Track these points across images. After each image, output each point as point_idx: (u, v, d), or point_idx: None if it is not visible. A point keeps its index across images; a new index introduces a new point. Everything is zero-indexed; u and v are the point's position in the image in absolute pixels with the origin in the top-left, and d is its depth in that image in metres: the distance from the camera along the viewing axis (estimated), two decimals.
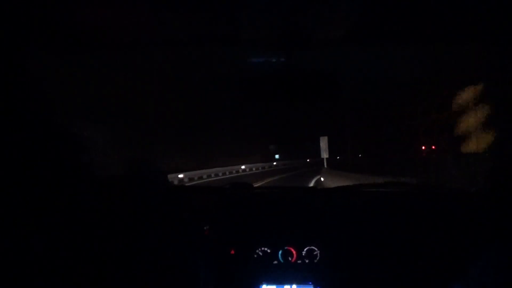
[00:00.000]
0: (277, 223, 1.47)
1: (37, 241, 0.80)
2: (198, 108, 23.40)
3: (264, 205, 1.58)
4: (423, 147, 16.76)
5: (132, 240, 1.04)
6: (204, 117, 24.32)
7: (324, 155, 18.22)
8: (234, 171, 22.53)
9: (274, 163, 31.65)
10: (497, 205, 1.15)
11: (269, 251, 1.40)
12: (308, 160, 36.77)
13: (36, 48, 1.18)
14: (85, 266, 0.88)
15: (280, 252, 1.40)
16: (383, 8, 1.16)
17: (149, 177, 1.25)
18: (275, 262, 1.39)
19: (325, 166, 18.48)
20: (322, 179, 13.90)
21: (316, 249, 1.39)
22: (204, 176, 18.20)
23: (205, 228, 1.37)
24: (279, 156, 34.06)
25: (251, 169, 25.13)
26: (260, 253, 1.40)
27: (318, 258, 1.38)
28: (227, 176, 20.03)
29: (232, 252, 1.41)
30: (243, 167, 24.20)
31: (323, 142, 17.87)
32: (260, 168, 27.10)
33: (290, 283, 1.37)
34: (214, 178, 18.48)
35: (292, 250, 1.40)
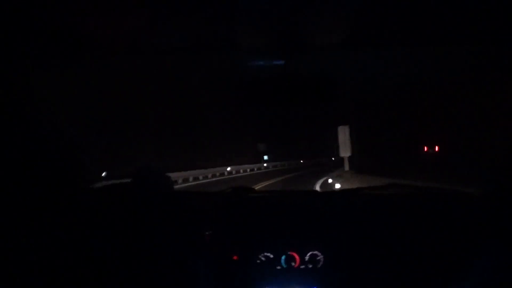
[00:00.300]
0: (279, 228, 1.57)
1: (37, 242, 0.88)
2: (181, 105, 23.22)
3: (265, 210, 1.67)
4: (425, 148, 17.01)
5: (133, 241, 1.13)
6: (186, 114, 24.15)
7: (344, 152, 13.29)
8: (218, 174, 22.47)
9: (265, 165, 31.37)
10: (497, 206, 1.29)
11: (272, 256, 1.50)
12: (302, 161, 36.85)
13: (36, 51, 1.27)
14: (86, 266, 0.97)
15: (283, 257, 1.50)
16: (380, 12, 1.26)
17: (151, 180, 1.35)
18: (278, 267, 1.49)
19: (347, 168, 13.50)
20: None
21: (319, 253, 1.49)
22: (180, 181, 16.89)
23: (206, 233, 1.48)
24: (268, 157, 33.63)
25: (238, 171, 25.14)
26: (263, 259, 1.50)
27: (321, 263, 1.49)
28: (210, 180, 19.88)
29: (235, 258, 1.51)
30: (228, 169, 24.17)
31: (343, 134, 13.03)
32: (248, 170, 27.15)
33: None
34: (193, 183, 17.82)
35: (295, 255, 1.49)
